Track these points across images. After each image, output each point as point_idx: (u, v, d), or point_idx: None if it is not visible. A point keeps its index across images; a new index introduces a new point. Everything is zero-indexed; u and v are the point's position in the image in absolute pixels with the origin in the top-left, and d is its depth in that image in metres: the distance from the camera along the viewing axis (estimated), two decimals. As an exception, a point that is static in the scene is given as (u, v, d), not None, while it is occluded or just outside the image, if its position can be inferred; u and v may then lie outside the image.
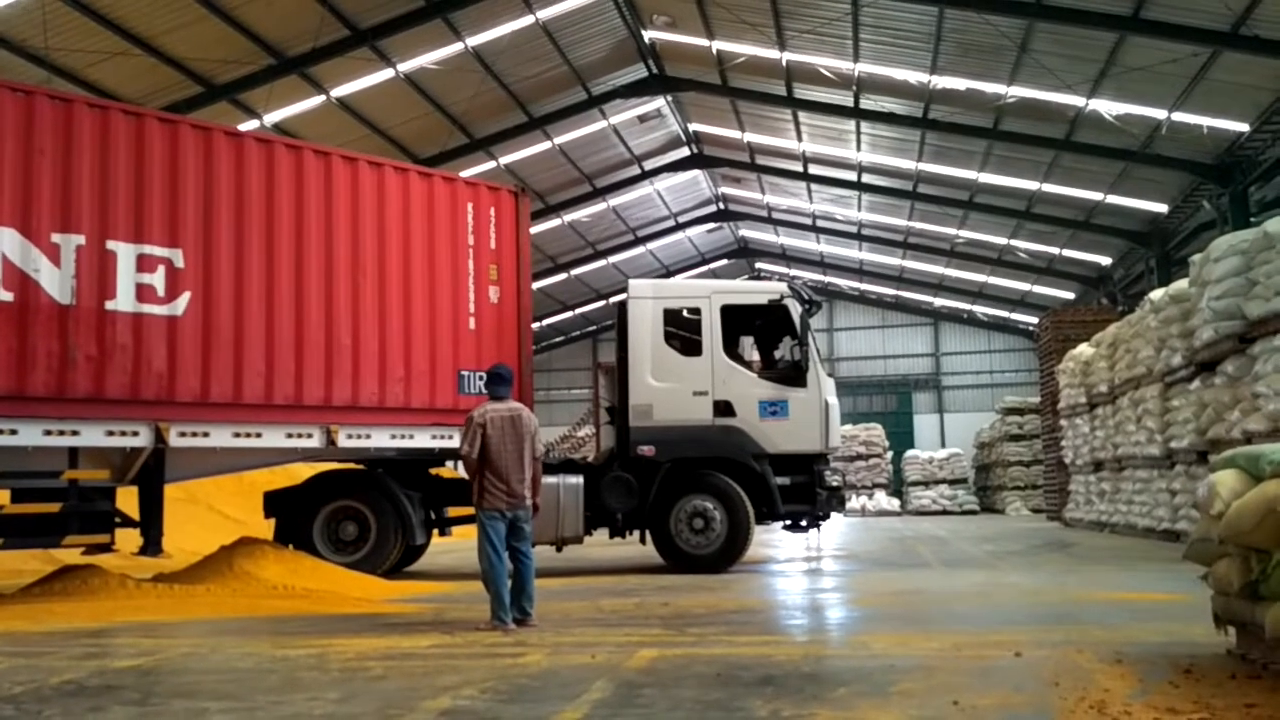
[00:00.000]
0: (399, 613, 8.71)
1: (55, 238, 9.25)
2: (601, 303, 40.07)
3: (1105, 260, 29.87)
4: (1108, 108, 19.87)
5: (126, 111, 10.07)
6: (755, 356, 13.18)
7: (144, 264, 9.70)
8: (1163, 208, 24.32)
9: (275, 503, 12.08)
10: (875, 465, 32.79)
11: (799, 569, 12.54)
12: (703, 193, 33.99)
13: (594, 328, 43.25)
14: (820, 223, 34.10)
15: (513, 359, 11.88)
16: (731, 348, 12.29)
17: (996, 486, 31.47)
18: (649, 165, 29.71)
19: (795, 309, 11.96)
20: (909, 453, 34.33)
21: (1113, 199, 24.78)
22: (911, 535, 19.65)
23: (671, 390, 11.80)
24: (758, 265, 41.47)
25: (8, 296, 8.95)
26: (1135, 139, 20.91)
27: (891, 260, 36.44)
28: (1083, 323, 22.42)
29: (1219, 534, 5.02)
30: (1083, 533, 18.77)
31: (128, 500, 10.37)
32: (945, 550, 15.44)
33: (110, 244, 9.53)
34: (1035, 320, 31.60)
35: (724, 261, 40.31)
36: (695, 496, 11.64)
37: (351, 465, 12.29)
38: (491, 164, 25.55)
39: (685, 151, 29.80)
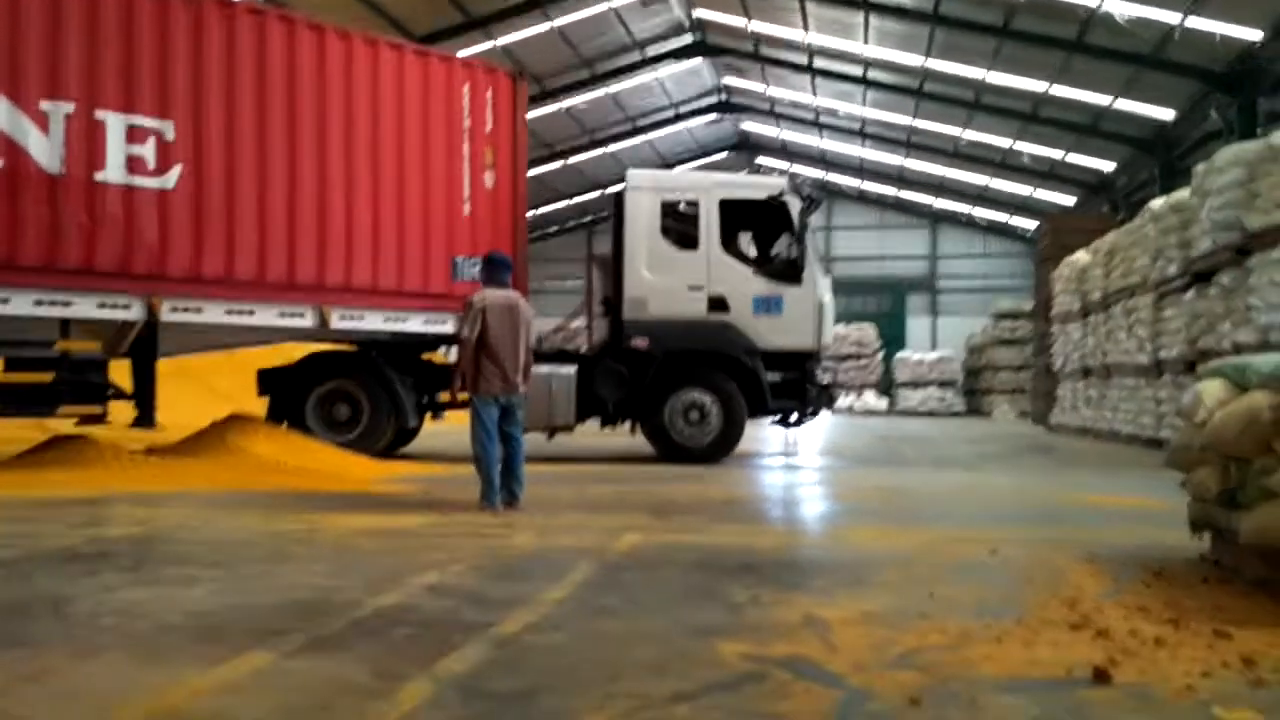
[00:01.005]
0: (389, 492, 8.83)
1: (44, 105, 9.07)
2: (597, 193, 39.61)
3: (1109, 167, 29.54)
4: (1120, 9, 19.40)
5: None
6: (752, 252, 13.10)
7: (134, 135, 9.53)
8: (1170, 115, 23.96)
9: (269, 381, 12.12)
10: (866, 365, 32.98)
11: (785, 464, 12.70)
12: (705, 83, 33.33)
13: (589, 218, 42.84)
14: (823, 118, 33.55)
15: (507, 246, 11.73)
16: (729, 243, 12.21)
17: (985, 390, 31.74)
18: (650, 52, 29.02)
19: (795, 205, 11.88)
20: (900, 354, 34.49)
21: (1120, 104, 24.38)
22: (898, 435, 19.87)
23: (666, 284, 11.78)
24: (758, 160, 40.90)
25: None
26: (1146, 43, 20.46)
27: (893, 159, 35.99)
28: (1082, 230, 22.31)
29: (1201, 441, 5.08)
30: (1067, 438, 19.01)
31: (121, 374, 10.41)
32: (930, 450, 15.64)
33: (99, 113, 9.34)
34: (1035, 225, 31.44)
35: (723, 155, 39.74)
36: (691, 389, 11.74)
37: (344, 347, 12.30)
38: (489, 44, 24.94)
39: (688, 39, 29.08)
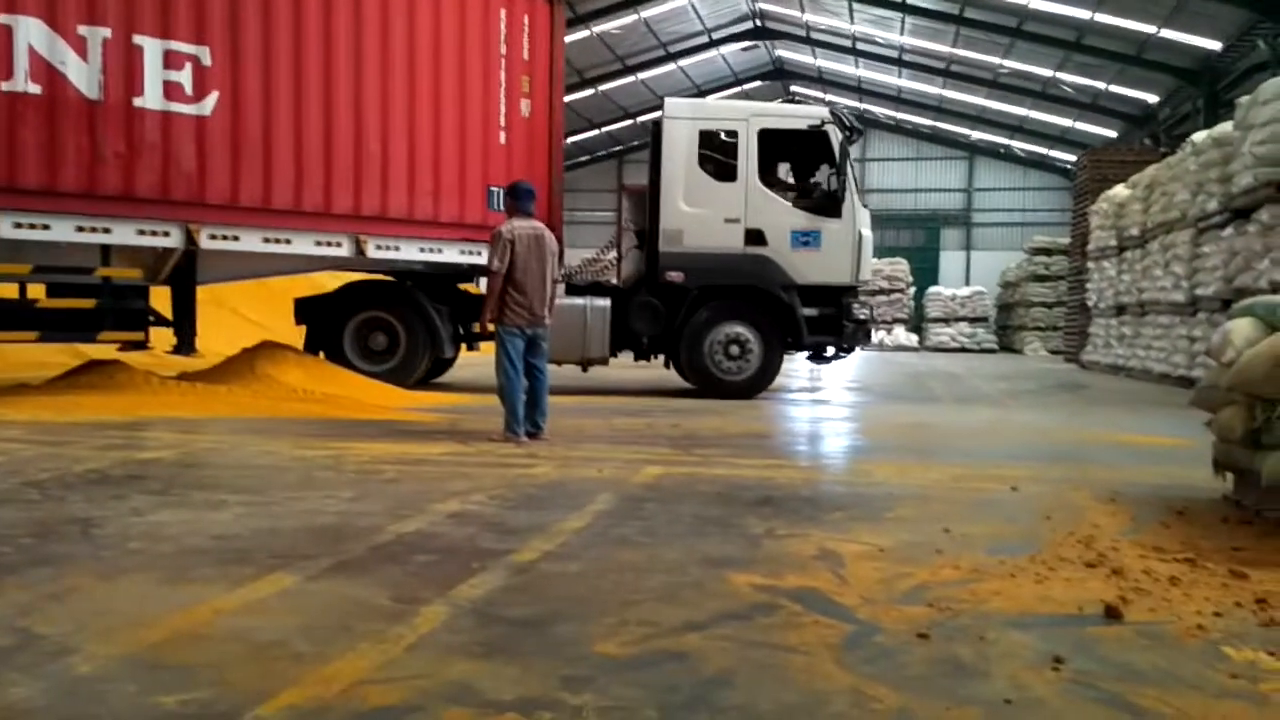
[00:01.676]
0: (414, 421, 8.93)
1: (81, 30, 9.11)
2: (629, 121, 39.21)
3: (1152, 98, 28.82)
4: (1172, -67, 18.78)
5: None
6: (790, 183, 12.91)
7: (171, 60, 9.54)
8: (1216, 45, 23.27)
9: (306, 310, 12.21)
10: (896, 300, 32.68)
11: (810, 399, 12.70)
12: (739, 8, 32.69)
13: (620, 148, 42.46)
14: (860, 45, 32.86)
15: (543, 176, 11.75)
16: (767, 174, 11.95)
17: (1017, 326, 31.44)
18: (685, -25, 28.50)
19: (836, 136, 11.57)
20: (932, 289, 34.17)
21: (1166, 33, 23.69)
22: (926, 371, 19.79)
23: (703, 216, 11.59)
24: (792, 88, 40.24)
25: (36, 89, 8.91)
26: (1197, -31, 19.84)
27: (931, 89, 35.29)
28: (1122, 163, 21.87)
29: (1227, 381, 5.02)
30: (1098, 375, 18.85)
31: (161, 300, 10.53)
32: (958, 386, 15.58)
33: (137, 38, 9.35)
34: (1074, 158, 30.83)
35: (758, 83, 39.10)
36: (731, 324, 11.66)
37: (380, 276, 12.35)
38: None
39: (723, -37, 28.53)
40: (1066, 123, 34.25)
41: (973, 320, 32.40)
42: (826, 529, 4.61)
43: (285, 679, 2.65)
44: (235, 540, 4.17)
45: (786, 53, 37.16)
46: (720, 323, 11.68)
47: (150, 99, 9.43)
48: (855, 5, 29.05)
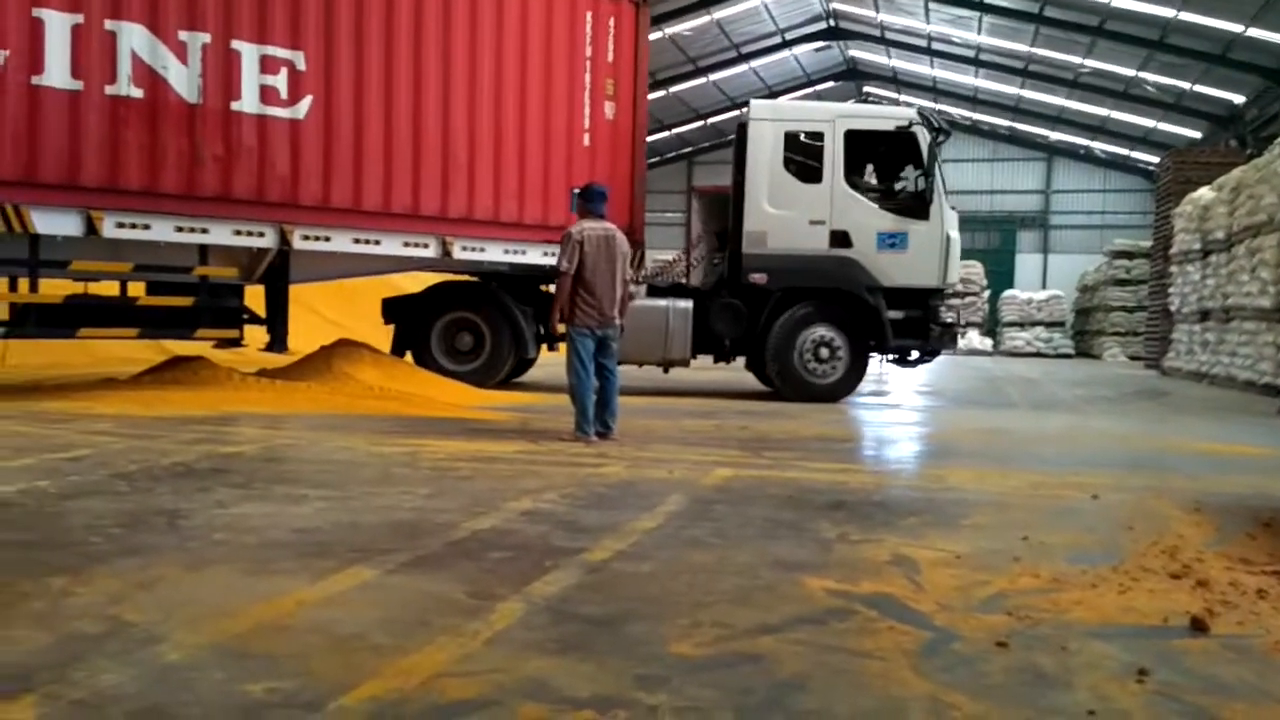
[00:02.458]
0: (487, 419, 9.03)
1: (182, 35, 9.38)
2: (700, 123, 39.17)
3: (1238, 99, 27.99)
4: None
5: None
6: (875, 185, 12.64)
7: (267, 65, 9.80)
8: (1309, 43, 22.56)
9: (393, 310, 12.41)
10: (971, 303, 32.19)
11: (882, 403, 12.56)
12: (813, 8, 32.47)
13: (690, 149, 42.44)
14: (935, 45, 32.43)
15: (625, 178, 11.86)
16: (852, 175, 11.79)
17: (1095, 331, 30.76)
18: (758, -23, 28.39)
19: (924, 137, 11.43)
20: (1007, 292, 33.59)
21: (1254, 32, 23.00)
22: (1002, 375, 19.47)
23: (787, 217, 11.49)
24: (865, 89, 39.88)
25: (138, 93, 9.18)
26: (1289, -36, 19.23)
27: (1008, 89, 34.70)
28: (1207, 164, 21.28)
29: (1321, 390, 4.86)
30: (1180, 382, 18.36)
31: (254, 299, 10.83)
32: (1034, 392, 15.30)
33: (235, 44, 9.62)
34: (1156, 160, 30.09)
35: (830, 84, 38.81)
36: (820, 326, 11.58)
37: (466, 278, 12.48)
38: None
39: (797, -37, 28.36)
40: (1149, 123, 33.43)
41: (1049, 324, 31.79)
42: (901, 534, 4.56)
43: (366, 671, 2.70)
44: (316, 534, 4.26)
45: (860, 53, 36.83)
46: (809, 325, 11.58)
47: (247, 103, 9.70)
48: (931, 4, 28.68)
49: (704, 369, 13.57)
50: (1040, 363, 26.85)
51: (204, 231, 9.64)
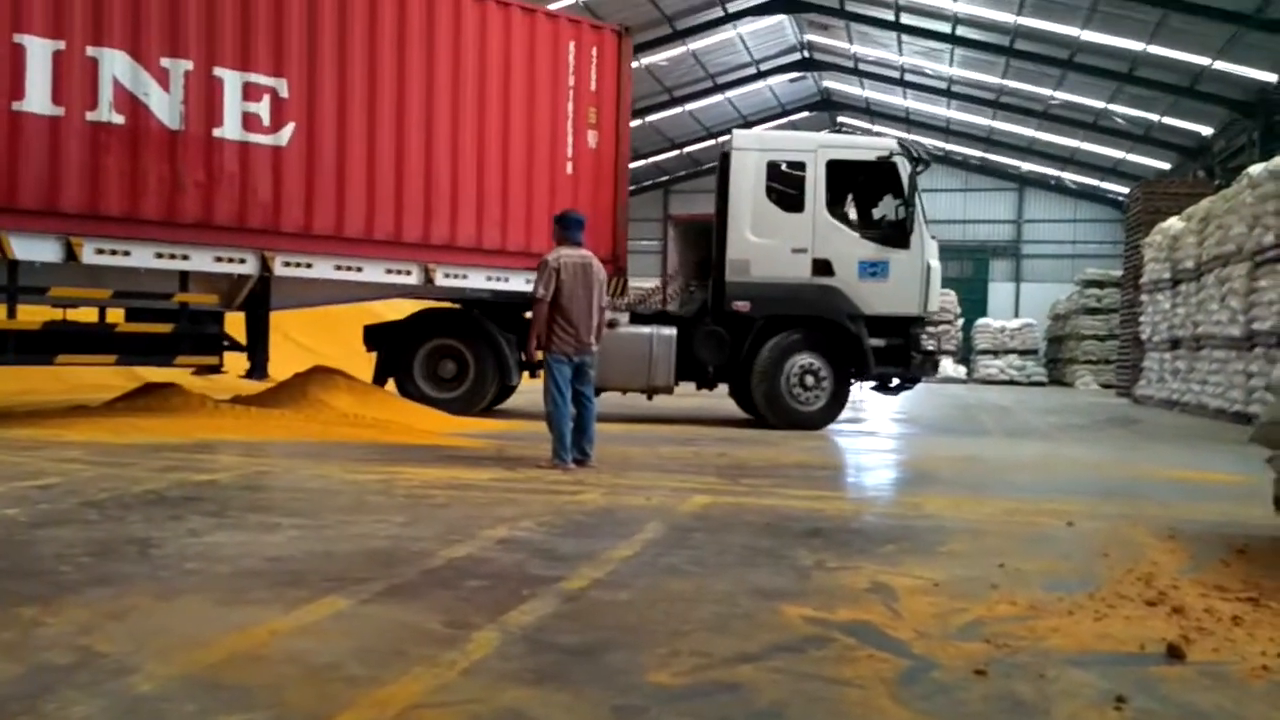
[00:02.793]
0: (463, 446, 8.98)
1: (164, 62, 9.35)
2: (675, 152, 39.39)
3: (1206, 130, 28.47)
4: (1226, -35, 18.61)
5: None
6: (855, 215, 12.75)
7: (250, 92, 9.78)
8: (1272, 77, 22.98)
9: (376, 337, 12.35)
10: (945, 331, 32.40)
11: (857, 430, 12.60)
12: (787, 39, 32.83)
13: (666, 178, 42.65)
14: (908, 77, 32.84)
15: (608, 206, 11.91)
16: (834, 205, 11.90)
17: (1068, 360, 31.03)
18: (732, 7, 28.66)
19: (904, 167, 11.55)
20: (980, 320, 33.86)
21: (1221, 65, 23.44)
22: (975, 403, 19.57)
23: (770, 246, 11.58)
24: (839, 119, 40.25)
25: (119, 119, 9.14)
26: (1249, 1, 19.61)
27: (980, 120, 35.15)
28: (1176, 195, 21.58)
29: (1291, 418, 4.92)
30: (1152, 410, 18.53)
31: (234, 327, 10.77)
32: (1008, 419, 15.39)
33: (217, 71, 9.60)
34: (1126, 190, 30.51)
35: (805, 114, 39.18)
36: (805, 354, 11.63)
37: (447, 305, 12.48)
38: (568, 0, 24.85)
39: (772, -5, 28.64)
40: (1119, 154, 33.92)
41: (1022, 353, 32.04)
42: (878, 562, 4.57)
43: (341, 702, 2.66)
44: (289, 562, 4.21)
45: (834, 84, 37.23)
46: (795, 353, 11.64)
47: (229, 129, 9.67)
48: (904, 37, 29.08)
49: (684, 395, 13.56)
50: (1013, 390, 27.04)
51: (185, 258, 9.59)
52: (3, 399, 11.41)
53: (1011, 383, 30.70)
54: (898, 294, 11.54)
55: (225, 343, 10.50)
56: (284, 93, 9.94)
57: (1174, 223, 19.14)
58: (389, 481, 6.58)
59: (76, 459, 7.13)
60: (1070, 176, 38.28)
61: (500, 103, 11.22)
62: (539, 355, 7.70)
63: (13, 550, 4.34)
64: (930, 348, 11.91)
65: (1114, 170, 35.52)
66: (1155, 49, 23.79)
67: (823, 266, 11.53)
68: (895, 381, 12.08)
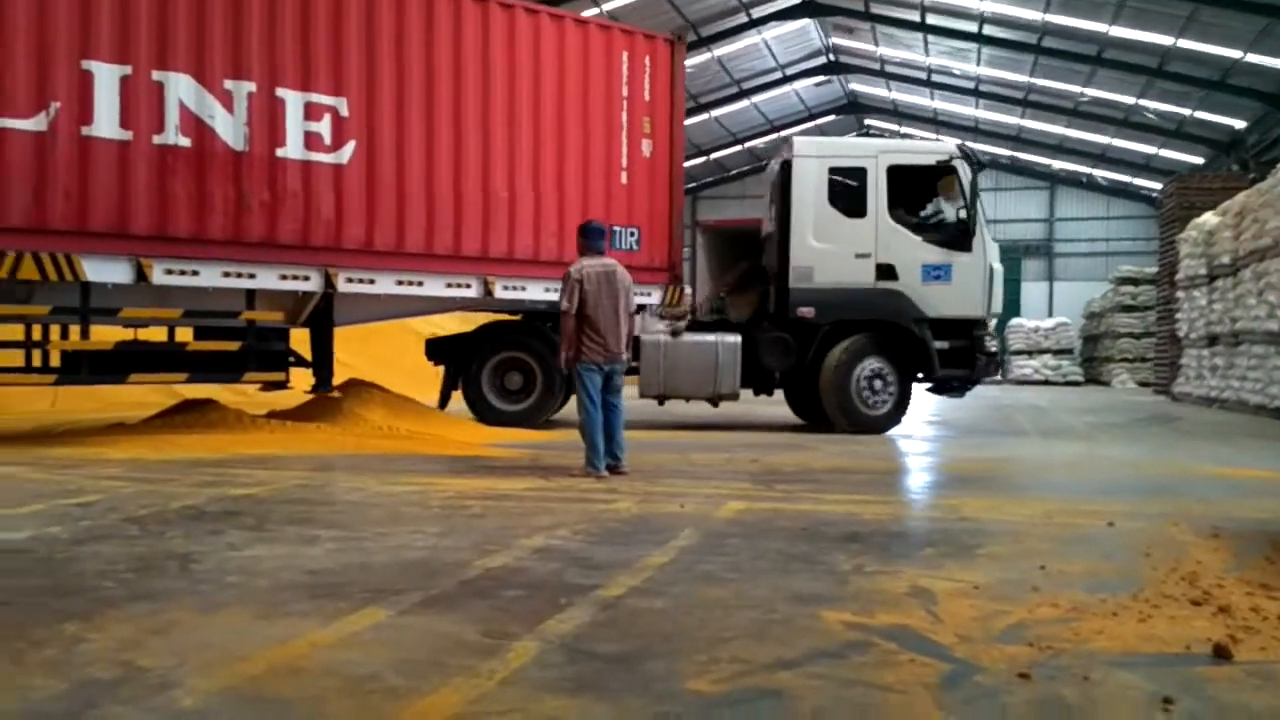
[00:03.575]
0: (497, 456, 9.01)
1: (228, 84, 9.52)
2: (702, 159, 39.33)
3: (1239, 124, 28.11)
4: (1257, -45, 18.38)
5: None
6: (917, 218, 12.64)
7: (311, 112, 9.93)
8: (1308, 68, 22.68)
9: (440, 350, 12.31)
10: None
11: (894, 433, 12.52)
12: (812, 43, 32.73)
13: (693, 184, 42.58)
14: (935, 77, 32.65)
15: (664, 214, 12.00)
16: (895, 209, 11.90)
17: (1104, 358, 30.69)
18: (756, 13, 28.60)
19: (965, 171, 11.64)
20: (1014, 321, 33.57)
21: (1252, 57, 23.13)
22: (1010, 404, 19.40)
23: (833, 252, 11.67)
24: (867, 122, 40.10)
25: (186, 142, 9.32)
26: (1284, -9, 19.38)
27: (1009, 119, 34.88)
28: (1210, 189, 21.31)
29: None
30: (1190, 408, 18.29)
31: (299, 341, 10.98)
32: (1044, 420, 15.24)
33: (279, 91, 9.75)
34: (1159, 186, 30.16)
35: (831, 117, 39.04)
36: (872, 358, 11.72)
37: (509, 317, 12.51)
38: (593, 10, 24.91)
39: (796, -1, 28.60)
40: (1151, 150, 33.55)
41: (1057, 352, 31.73)
42: (917, 565, 4.53)
43: (381, 713, 2.67)
44: (328, 575, 4.24)
45: (860, 86, 37.08)
46: (864, 358, 11.72)
47: (292, 149, 9.83)
48: (930, 38, 28.91)
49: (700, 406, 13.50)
50: (1049, 390, 26.77)
51: (251, 276, 9.75)
52: (41, 417, 11.58)
53: (1047, 383, 30.39)
54: (961, 297, 11.64)
55: (290, 358, 10.69)
56: (344, 111, 10.09)
57: (1209, 218, 18.90)
58: (424, 492, 6.61)
59: (116, 476, 7.21)
60: (1102, 173, 37.90)
61: (555, 114, 11.34)
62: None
63: (55, 567, 4.40)
64: (993, 349, 11.95)
65: (1146, 166, 35.13)
66: (1185, 43, 23.52)
67: (886, 271, 11.61)
68: (956, 384, 12.17)
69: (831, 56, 33.86)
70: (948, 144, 12.25)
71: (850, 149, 14.12)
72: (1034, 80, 29.71)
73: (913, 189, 12.18)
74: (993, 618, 3.64)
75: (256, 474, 7.49)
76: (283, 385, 10.68)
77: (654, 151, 11.98)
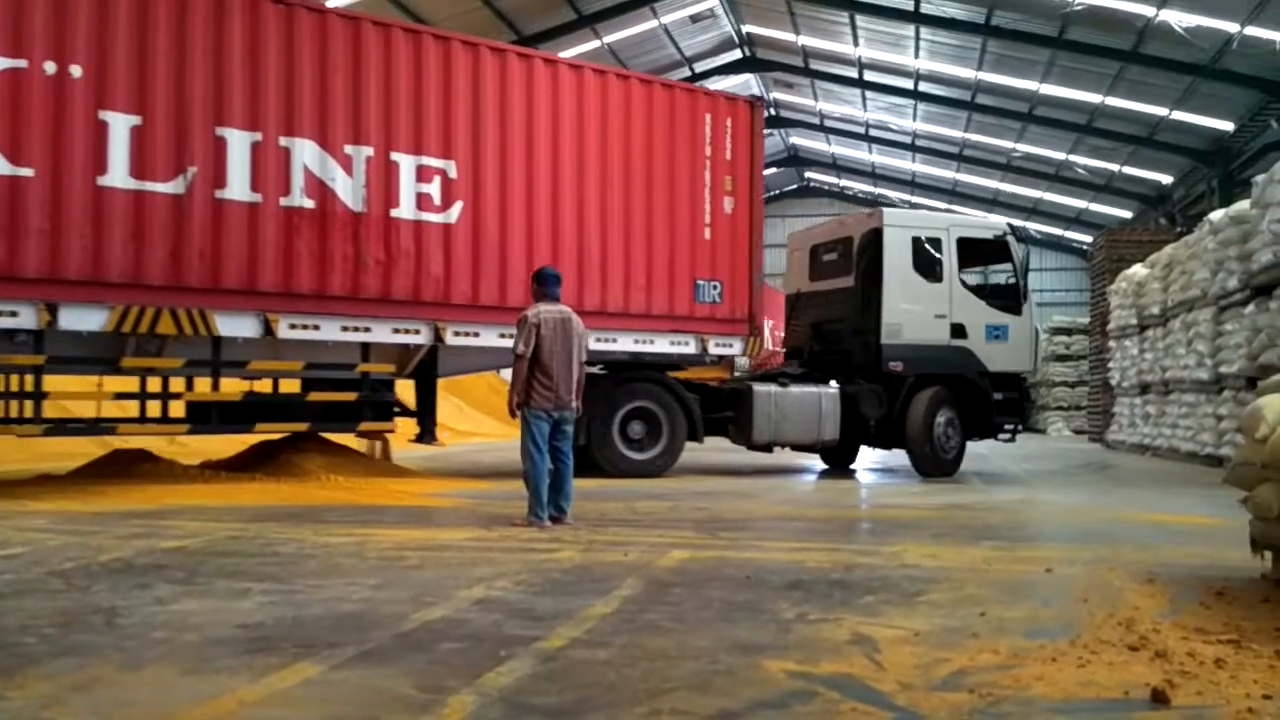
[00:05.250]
0: (437, 506, 8.89)
1: (348, 149, 10.06)
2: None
3: (1166, 179, 29.07)
4: (1178, 19, 19.12)
5: (405, 29, 10.74)
6: (980, 284, 14.06)
7: (423, 174, 10.44)
8: (1229, 126, 23.55)
9: None
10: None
11: (835, 479, 12.59)
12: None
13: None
14: (874, 132, 33.42)
15: (745, 268, 12.53)
16: (962, 276, 13.13)
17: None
18: (700, 68, 29.14)
19: (1015, 244, 13.19)
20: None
21: (1178, 115, 24.01)
22: (950, 451, 19.55)
23: (918, 312, 12.73)
24: (807, 174, 40.82)
25: (310, 204, 9.81)
26: (1204, 53, 20.14)
27: (945, 173, 35.73)
28: (1138, 242, 21.93)
29: (1262, 458, 4.94)
30: (1124, 455, 18.64)
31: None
32: (983, 466, 15.40)
33: (394, 155, 10.30)
34: (1090, 239, 30.99)
35: (772, 170, 39.65)
36: (946, 408, 12.73)
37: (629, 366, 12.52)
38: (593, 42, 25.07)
39: (737, 54, 29.17)
40: (1081, 204, 34.53)
41: (994, 401, 32.19)
42: (859, 613, 4.52)
43: (312, 771, 2.58)
44: (259, 629, 4.12)
45: (801, 140, 37.80)
46: (940, 406, 12.75)
47: (405, 210, 10.33)
48: (868, 94, 29.60)
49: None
50: (987, 439, 27.09)
51: (366, 330, 10.14)
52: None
53: (985, 431, 30.78)
54: (1014, 354, 13.12)
55: (397, 409, 10.96)
56: (453, 174, 10.63)
57: (1138, 269, 19.41)
58: (362, 544, 6.48)
59: (41, 528, 6.97)
60: (1035, 226, 38.86)
61: (644, 175, 11.85)
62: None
63: (-27, 623, 4.22)
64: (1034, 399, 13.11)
65: (1077, 219, 36.14)
66: (1114, 101, 24.34)
67: (959, 330, 12.86)
68: (1005, 433, 13.31)
69: (772, 110, 34.40)
70: (998, 220, 13.73)
71: (927, 221, 15.21)
72: (969, 136, 30.52)
73: (970, 258, 13.48)
74: (934, 665, 3.64)
75: (188, 525, 7.30)
76: (388, 434, 11.08)
77: (735, 209, 12.54)
